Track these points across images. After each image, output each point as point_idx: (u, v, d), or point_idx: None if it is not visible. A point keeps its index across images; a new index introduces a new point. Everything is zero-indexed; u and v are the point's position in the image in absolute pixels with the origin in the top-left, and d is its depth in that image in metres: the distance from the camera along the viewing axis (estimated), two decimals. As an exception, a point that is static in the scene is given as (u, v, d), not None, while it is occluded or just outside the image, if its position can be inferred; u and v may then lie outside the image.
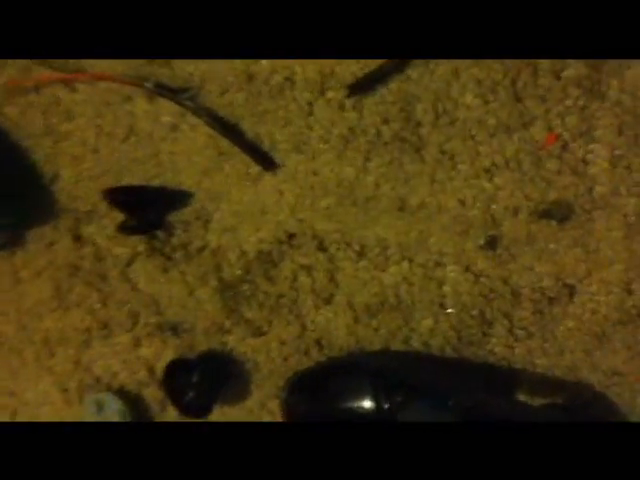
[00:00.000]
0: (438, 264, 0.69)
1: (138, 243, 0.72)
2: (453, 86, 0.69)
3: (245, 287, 0.71)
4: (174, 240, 0.72)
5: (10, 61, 0.73)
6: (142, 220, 0.71)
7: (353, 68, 0.70)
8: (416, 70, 0.69)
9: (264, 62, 0.70)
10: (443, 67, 0.69)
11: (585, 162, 0.68)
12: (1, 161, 0.72)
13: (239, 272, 0.71)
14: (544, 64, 0.68)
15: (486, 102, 0.68)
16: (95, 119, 0.73)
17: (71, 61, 0.72)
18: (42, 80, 0.72)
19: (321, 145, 0.70)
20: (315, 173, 0.70)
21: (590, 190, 0.68)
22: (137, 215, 0.71)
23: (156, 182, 0.72)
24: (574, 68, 0.68)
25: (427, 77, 0.69)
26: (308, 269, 0.70)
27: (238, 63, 0.71)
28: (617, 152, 0.68)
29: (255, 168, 0.71)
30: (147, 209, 0.71)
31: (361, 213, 0.70)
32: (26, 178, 0.73)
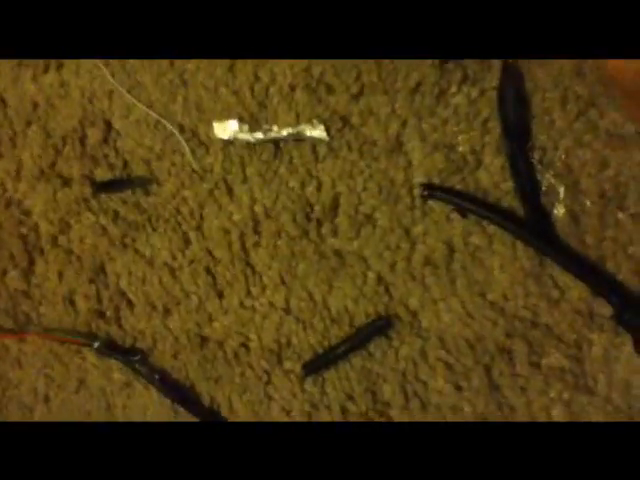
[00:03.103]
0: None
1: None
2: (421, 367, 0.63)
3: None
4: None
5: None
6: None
7: (311, 340, 0.65)
8: (378, 349, 0.64)
9: (217, 325, 0.68)
10: (407, 348, 0.63)
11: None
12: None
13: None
14: (520, 353, 0.60)
15: (459, 389, 0.62)
16: (44, 369, 0.72)
17: (19, 313, 0.72)
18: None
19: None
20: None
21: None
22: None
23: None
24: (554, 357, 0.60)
25: (392, 357, 0.63)
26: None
27: (191, 325, 0.68)
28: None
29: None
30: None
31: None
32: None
